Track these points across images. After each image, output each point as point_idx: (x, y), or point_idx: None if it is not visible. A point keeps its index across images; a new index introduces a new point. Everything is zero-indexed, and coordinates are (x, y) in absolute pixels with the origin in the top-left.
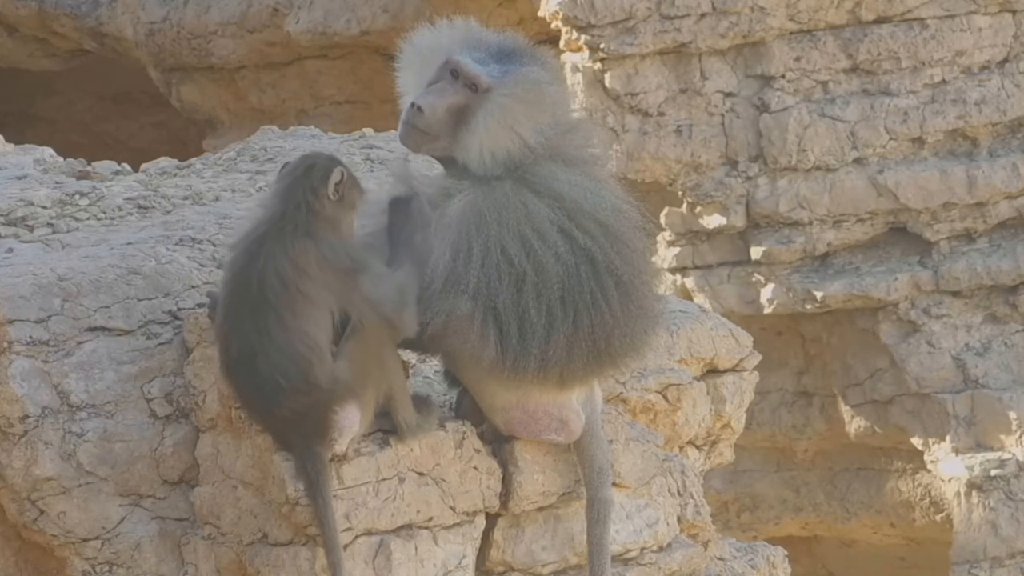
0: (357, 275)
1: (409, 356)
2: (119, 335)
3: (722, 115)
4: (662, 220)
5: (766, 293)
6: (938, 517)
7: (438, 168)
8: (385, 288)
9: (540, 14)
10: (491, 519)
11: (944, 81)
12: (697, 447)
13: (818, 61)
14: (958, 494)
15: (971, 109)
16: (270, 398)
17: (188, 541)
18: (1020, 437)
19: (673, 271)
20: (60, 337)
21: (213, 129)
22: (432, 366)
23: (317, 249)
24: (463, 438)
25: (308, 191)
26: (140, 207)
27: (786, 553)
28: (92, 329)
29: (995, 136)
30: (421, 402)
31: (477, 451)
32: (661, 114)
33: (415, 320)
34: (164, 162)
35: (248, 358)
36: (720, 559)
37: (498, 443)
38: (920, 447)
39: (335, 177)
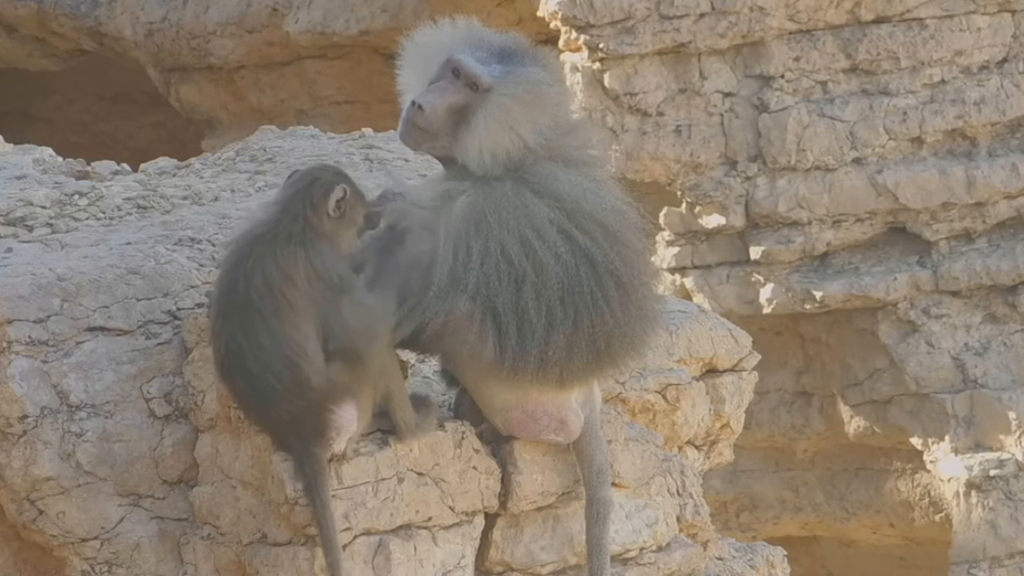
0: (340, 295)
1: (408, 356)
2: (118, 335)
3: (721, 115)
4: (661, 220)
5: (765, 293)
6: (937, 517)
7: (438, 168)
8: (362, 318)
9: (539, 14)
10: (490, 519)
11: (943, 81)
12: (696, 447)
13: (817, 61)
14: (957, 494)
15: (970, 109)
16: (264, 399)
17: (187, 541)
18: (1019, 437)
19: (672, 271)
20: (59, 337)
21: (212, 129)
22: (431, 366)
23: (307, 260)
24: (462, 438)
25: (308, 205)
26: (139, 207)
27: (785, 553)
28: (91, 329)
29: (994, 136)
30: (420, 402)
31: (476, 451)
32: (660, 114)
33: (383, 351)
34: (163, 162)
35: (238, 358)
36: (719, 559)
37: (497, 443)
38: (919, 447)
39: (336, 194)
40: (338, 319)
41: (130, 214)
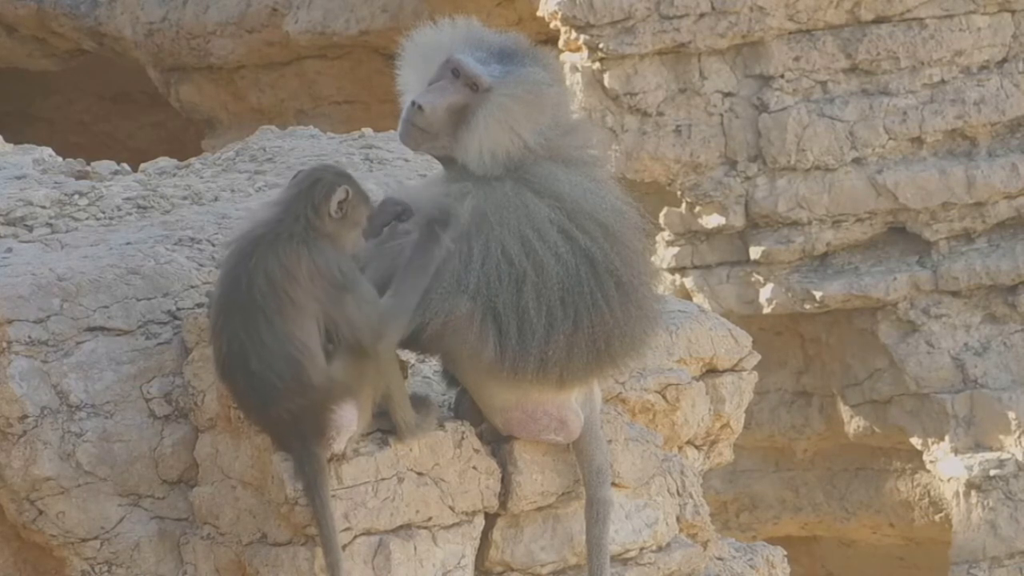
0: (344, 292)
1: (408, 356)
2: (118, 335)
3: (721, 115)
4: (661, 220)
5: (765, 293)
6: (937, 517)
7: (438, 168)
8: (368, 313)
9: (539, 14)
10: (490, 519)
11: (943, 81)
12: (696, 447)
13: (817, 61)
14: (957, 494)
15: (970, 109)
16: (265, 398)
17: (187, 541)
18: (1019, 437)
19: (672, 271)
20: (59, 337)
21: (212, 129)
22: (431, 366)
23: (310, 258)
24: (462, 438)
25: (309, 206)
26: (139, 207)
27: (785, 553)
28: (91, 329)
29: (994, 136)
30: (420, 402)
31: (476, 451)
32: (660, 114)
33: (392, 350)
34: (163, 162)
35: (240, 357)
36: (719, 559)
37: (497, 443)
38: (919, 447)
39: (339, 195)
40: (342, 316)
41: (130, 214)
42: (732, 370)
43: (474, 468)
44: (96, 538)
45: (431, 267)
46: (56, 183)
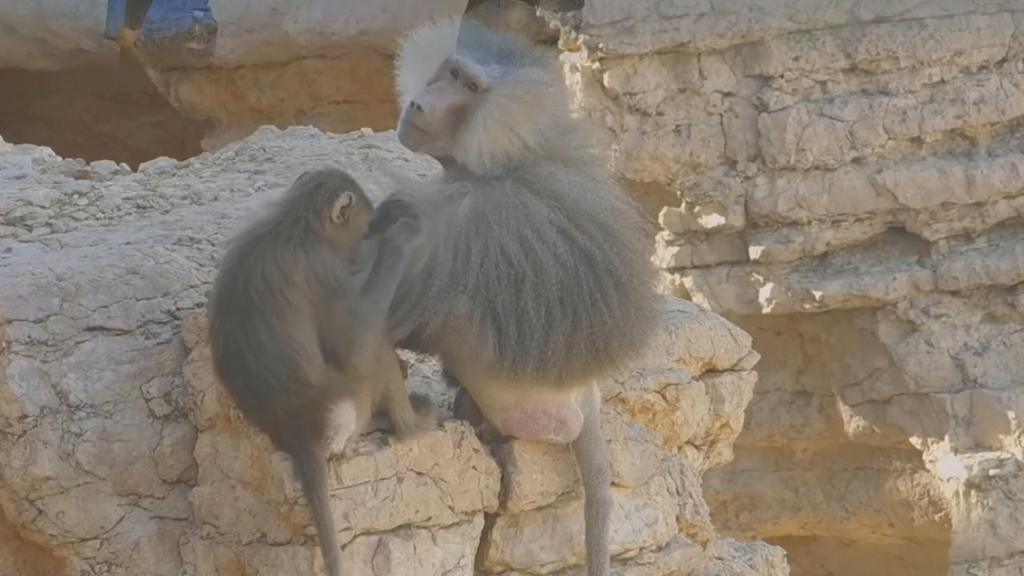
0: (336, 299)
1: (408, 356)
2: (118, 335)
3: (721, 115)
4: (660, 220)
5: (765, 293)
6: (937, 517)
7: (438, 168)
8: (350, 324)
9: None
10: (490, 519)
11: (943, 81)
12: (696, 447)
13: (817, 61)
14: (957, 494)
15: (970, 109)
16: (262, 397)
17: (187, 541)
18: (1019, 437)
19: (672, 271)
20: (59, 337)
21: (211, 129)
22: (431, 365)
23: (307, 261)
24: (462, 438)
25: (311, 210)
26: (139, 207)
27: (785, 553)
28: (91, 329)
29: (994, 136)
30: (419, 401)
31: (476, 451)
32: (660, 114)
33: (364, 364)
34: (163, 162)
35: (237, 356)
36: (719, 559)
37: (497, 443)
38: (919, 447)
39: (341, 201)
40: (331, 322)
41: (130, 214)
42: (732, 370)
43: (474, 468)
44: (96, 538)
45: (400, 266)
46: (56, 183)
